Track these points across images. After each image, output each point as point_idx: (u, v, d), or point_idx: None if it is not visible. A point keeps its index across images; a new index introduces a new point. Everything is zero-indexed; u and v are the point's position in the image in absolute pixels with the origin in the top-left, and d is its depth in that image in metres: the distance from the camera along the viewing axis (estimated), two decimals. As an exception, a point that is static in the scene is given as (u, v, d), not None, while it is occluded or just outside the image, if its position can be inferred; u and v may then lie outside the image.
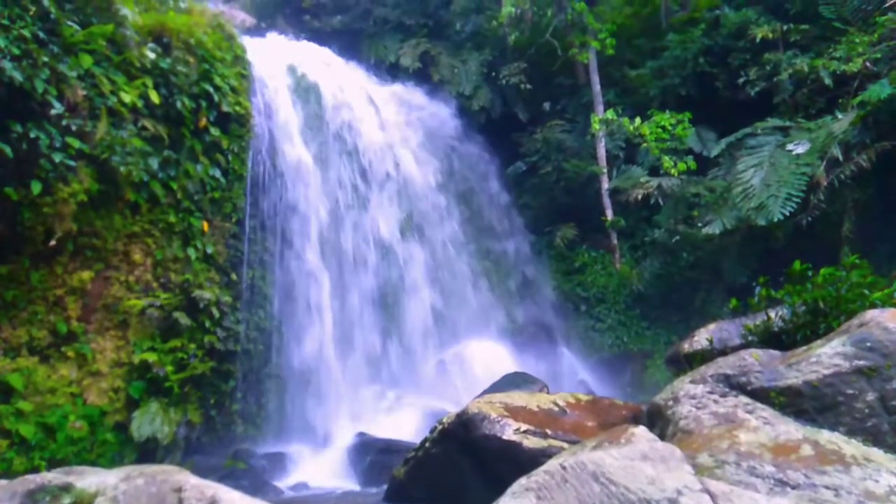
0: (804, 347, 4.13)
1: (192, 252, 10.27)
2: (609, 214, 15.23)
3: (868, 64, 11.39)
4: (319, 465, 9.52)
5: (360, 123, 14.45)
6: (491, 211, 16.54)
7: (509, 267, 15.84)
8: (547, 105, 17.17)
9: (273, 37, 15.69)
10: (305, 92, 13.99)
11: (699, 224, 12.62)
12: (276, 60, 13.88)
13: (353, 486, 8.78)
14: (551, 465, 3.03)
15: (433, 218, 14.78)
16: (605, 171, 15.30)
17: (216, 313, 10.14)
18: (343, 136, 14.11)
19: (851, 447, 3.26)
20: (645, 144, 13.77)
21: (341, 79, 15.06)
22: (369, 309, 12.47)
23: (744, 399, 3.77)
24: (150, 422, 8.97)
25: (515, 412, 4.69)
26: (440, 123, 16.72)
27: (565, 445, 4.13)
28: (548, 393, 6.93)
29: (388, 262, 13.24)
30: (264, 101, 12.72)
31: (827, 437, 3.36)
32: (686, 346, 6.43)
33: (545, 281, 15.83)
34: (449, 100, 17.01)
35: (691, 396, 3.92)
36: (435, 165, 15.57)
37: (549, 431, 4.45)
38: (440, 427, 4.95)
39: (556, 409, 4.92)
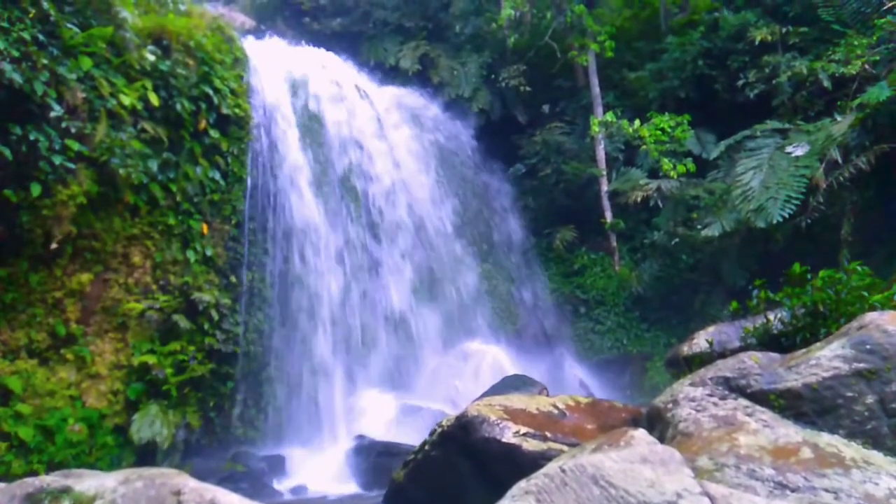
0: (803, 350, 4.12)
1: (191, 254, 10.26)
2: (608, 216, 15.23)
3: (867, 66, 11.41)
4: (319, 467, 9.51)
5: (370, 164, 13.34)
6: (509, 256, 15.53)
7: (528, 318, 14.91)
8: (546, 107, 17.18)
9: (276, 43, 14.99)
10: (310, 124, 12.98)
11: (698, 226, 12.63)
12: (281, 78, 13.07)
13: (352, 488, 8.77)
14: (551, 467, 3.03)
15: (448, 269, 13.57)
16: (604, 173, 15.30)
17: (215, 316, 10.13)
18: (351, 181, 13.01)
19: (851, 450, 3.26)
20: (644, 147, 13.78)
21: (350, 102, 14.01)
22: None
23: (743, 402, 3.77)
24: (150, 424, 8.96)
25: (515, 415, 4.69)
26: (457, 147, 15.94)
27: (565, 448, 4.12)
28: (547, 395, 6.93)
29: (399, 336, 12.10)
30: (267, 138, 11.86)
31: (826, 439, 3.36)
32: (685, 349, 6.42)
33: (567, 329, 14.95)
34: (467, 114, 16.39)
35: (691, 399, 3.92)
36: (451, 205, 14.53)
37: (548, 434, 4.44)
38: (440, 430, 4.94)
39: (555, 411, 4.92)
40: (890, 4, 11.72)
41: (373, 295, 12.35)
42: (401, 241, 13.28)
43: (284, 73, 13.47)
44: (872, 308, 4.52)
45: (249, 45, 13.03)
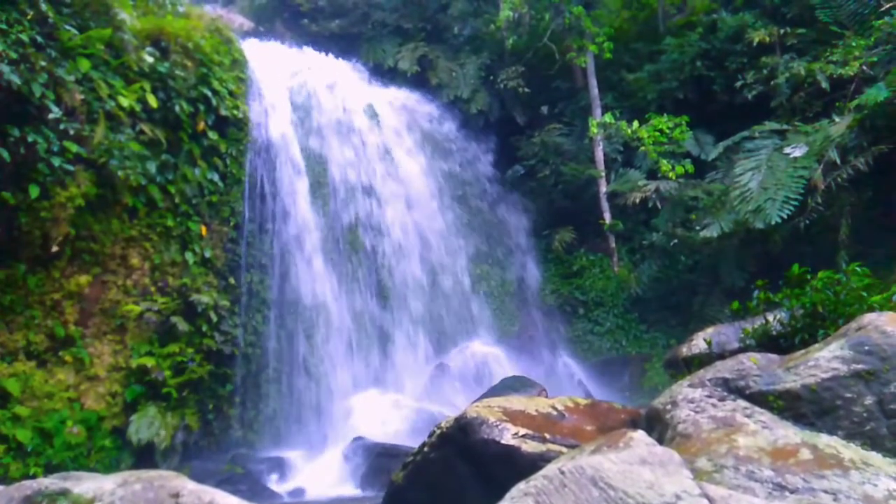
0: (802, 351, 4.12)
1: (189, 256, 10.26)
2: (607, 218, 15.24)
3: (864, 67, 11.42)
4: (318, 469, 9.49)
5: (380, 212, 11.99)
6: (527, 310, 14.36)
7: (528, 322, 14.10)
8: (545, 108, 17.18)
9: (279, 52, 13.97)
10: (314, 167, 11.65)
11: (697, 227, 12.62)
12: (285, 103, 11.99)
13: (351, 490, 8.75)
14: (550, 469, 3.02)
15: (465, 333, 12.10)
16: (603, 174, 15.32)
17: (214, 317, 10.12)
18: (358, 236, 11.67)
19: (850, 451, 3.26)
20: (643, 148, 13.78)
21: (358, 136, 12.71)
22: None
23: (742, 403, 3.77)
24: (148, 426, 8.94)
25: (514, 416, 4.68)
26: (473, 177, 15.16)
27: (564, 450, 4.11)
28: (546, 397, 6.92)
29: (412, 425, 10.82)
30: (270, 185, 10.81)
31: (825, 441, 3.36)
32: (684, 350, 6.44)
33: (565, 330, 14.20)
34: (487, 134, 15.80)
35: (690, 400, 3.92)
36: (466, 253, 13.28)
37: (547, 435, 4.44)
38: (439, 431, 4.93)
39: (554, 413, 4.91)
40: (887, 6, 11.74)
41: (383, 377, 11.47)
42: (414, 307, 12.08)
43: (288, 99, 12.33)
44: (871, 309, 4.52)
45: (252, 58, 12.28)
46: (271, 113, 11.78)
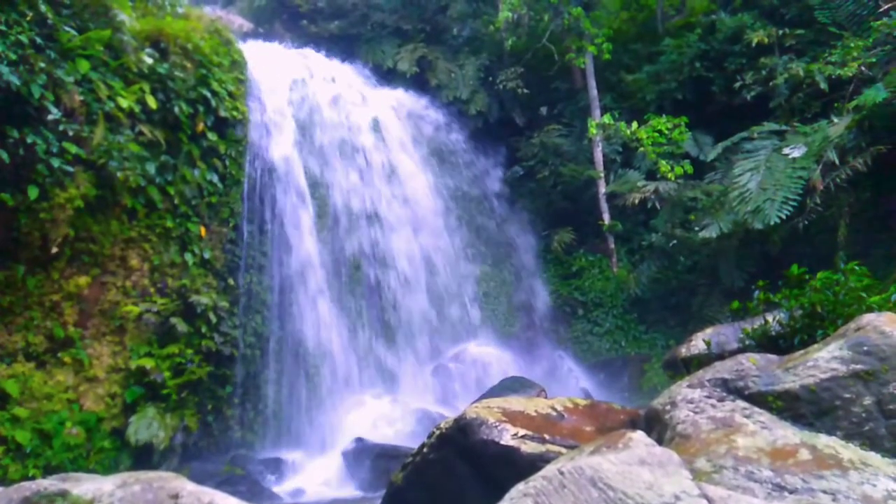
0: (801, 351, 4.13)
1: (189, 257, 10.25)
2: (606, 218, 15.25)
3: (863, 68, 11.43)
4: (317, 470, 9.50)
5: (386, 241, 11.41)
6: (526, 311, 14.05)
7: (528, 323, 13.71)
8: (544, 109, 17.19)
9: (277, 51, 13.53)
10: (315, 191, 11.14)
11: (696, 228, 12.62)
12: (289, 124, 11.54)
13: (350, 491, 8.76)
14: (549, 470, 3.02)
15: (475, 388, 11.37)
16: (602, 175, 15.32)
17: (213, 318, 10.11)
18: (362, 269, 11.13)
19: (849, 451, 3.26)
20: (642, 149, 13.77)
21: (362, 156, 12.10)
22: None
23: (741, 403, 3.77)
24: (147, 427, 8.94)
25: (513, 417, 4.68)
26: (482, 194, 14.81)
27: (563, 450, 4.11)
28: (545, 397, 6.92)
29: (411, 426, 10.34)
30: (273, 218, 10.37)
31: (824, 441, 3.36)
32: (683, 351, 6.44)
33: (565, 331, 13.94)
34: (496, 146, 15.63)
35: (689, 401, 3.92)
36: (472, 284, 12.82)
37: (546, 436, 4.44)
38: (438, 432, 4.93)
39: (553, 413, 4.92)
40: (886, 7, 11.76)
41: (383, 383, 11.24)
42: (419, 342, 11.78)
43: (291, 116, 11.88)
44: (870, 309, 4.53)
45: (252, 59, 12.03)
46: (273, 131, 11.51)
